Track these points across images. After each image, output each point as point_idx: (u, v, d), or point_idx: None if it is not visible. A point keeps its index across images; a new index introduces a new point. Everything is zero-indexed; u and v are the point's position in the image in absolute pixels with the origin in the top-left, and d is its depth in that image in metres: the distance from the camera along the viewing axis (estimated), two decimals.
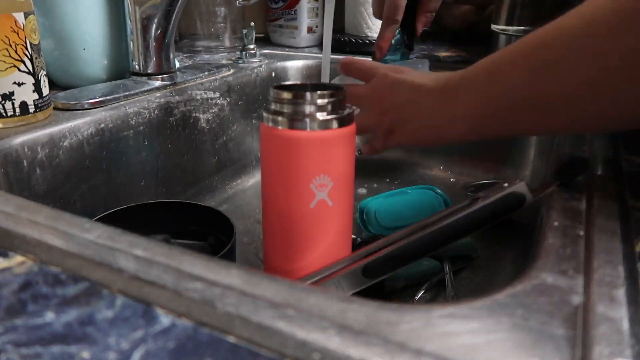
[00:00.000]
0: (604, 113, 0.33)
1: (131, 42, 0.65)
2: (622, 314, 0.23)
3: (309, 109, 0.37)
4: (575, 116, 0.35)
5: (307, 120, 0.36)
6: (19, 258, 0.27)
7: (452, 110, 0.42)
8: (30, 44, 0.50)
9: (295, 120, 0.37)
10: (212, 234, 0.52)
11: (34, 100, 0.51)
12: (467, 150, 0.82)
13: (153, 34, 0.64)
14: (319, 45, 1.02)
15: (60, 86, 0.66)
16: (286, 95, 0.37)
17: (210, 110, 0.73)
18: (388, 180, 0.77)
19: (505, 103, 0.38)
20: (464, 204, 0.38)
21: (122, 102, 0.60)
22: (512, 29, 0.88)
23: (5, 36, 0.47)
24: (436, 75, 0.46)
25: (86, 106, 0.57)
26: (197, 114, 0.70)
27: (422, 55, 0.93)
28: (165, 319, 0.22)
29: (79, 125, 0.54)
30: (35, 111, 0.51)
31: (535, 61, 0.35)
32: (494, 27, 0.91)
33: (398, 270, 0.52)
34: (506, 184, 0.37)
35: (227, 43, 0.98)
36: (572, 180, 0.37)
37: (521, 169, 0.77)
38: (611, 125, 0.38)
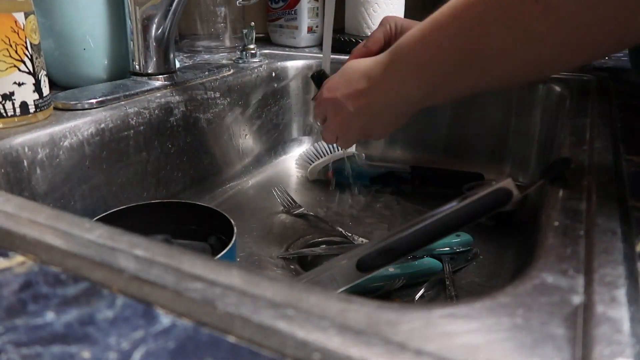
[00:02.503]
0: (535, 61, 0.36)
1: (131, 42, 0.65)
2: (622, 314, 0.23)
3: None
4: (508, 68, 0.37)
5: None
6: (19, 258, 0.27)
7: (401, 79, 0.44)
8: (31, 44, 0.50)
9: None
10: (212, 234, 0.52)
11: (34, 100, 0.51)
12: (467, 151, 0.82)
13: (153, 34, 0.64)
14: (319, 45, 1.02)
15: (61, 86, 0.66)
16: None
17: (211, 110, 0.73)
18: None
19: (445, 66, 0.40)
20: (455, 201, 0.39)
21: (122, 102, 0.60)
22: None
23: (6, 36, 0.47)
24: (371, 60, 0.48)
25: (86, 106, 0.57)
26: (197, 114, 0.70)
27: None
28: (165, 319, 0.22)
29: (79, 125, 0.54)
30: (35, 111, 0.51)
31: (463, 22, 0.37)
32: None
33: (395, 269, 0.52)
34: (494, 181, 0.38)
35: (227, 43, 0.98)
36: (556, 178, 0.38)
37: (521, 169, 0.78)
38: (546, 71, 0.42)
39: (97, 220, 0.49)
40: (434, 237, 0.39)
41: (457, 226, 0.38)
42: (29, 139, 0.49)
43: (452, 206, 0.38)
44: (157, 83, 0.66)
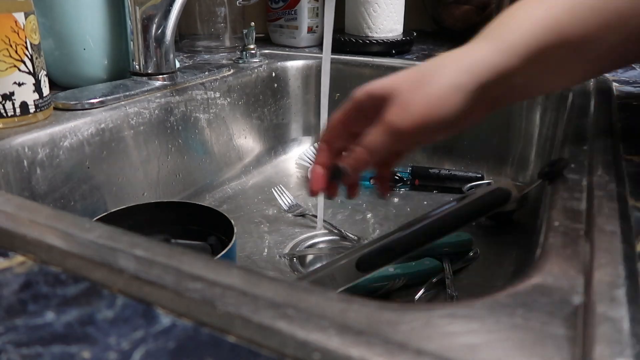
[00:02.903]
0: None
1: (131, 42, 0.65)
2: (622, 314, 0.23)
3: None
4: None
5: None
6: (19, 258, 0.27)
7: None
8: (31, 44, 0.50)
9: None
10: (212, 234, 0.52)
11: (34, 100, 0.51)
12: (467, 151, 0.82)
13: (153, 34, 0.64)
14: (319, 45, 1.02)
15: (61, 86, 0.66)
16: None
17: (210, 110, 0.73)
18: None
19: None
20: (454, 201, 0.39)
21: (122, 102, 0.60)
22: None
23: (6, 36, 0.47)
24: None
25: (86, 106, 0.57)
26: (197, 114, 0.70)
27: (422, 55, 0.93)
28: (165, 319, 0.22)
29: (79, 125, 0.54)
30: (35, 111, 0.51)
31: None
32: None
33: (395, 269, 0.52)
34: (492, 182, 0.38)
35: (227, 43, 0.98)
36: (554, 178, 0.38)
37: (521, 169, 0.77)
38: None
39: (97, 220, 0.49)
40: (433, 236, 0.39)
41: (456, 226, 0.39)
42: (29, 139, 0.49)
43: (451, 206, 0.38)
44: (157, 83, 0.66)
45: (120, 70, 0.68)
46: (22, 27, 0.48)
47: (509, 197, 0.38)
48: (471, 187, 0.72)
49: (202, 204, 0.54)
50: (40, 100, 0.52)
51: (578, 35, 0.35)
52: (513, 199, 0.38)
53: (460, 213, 0.38)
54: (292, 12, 1.01)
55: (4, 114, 0.49)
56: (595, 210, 0.33)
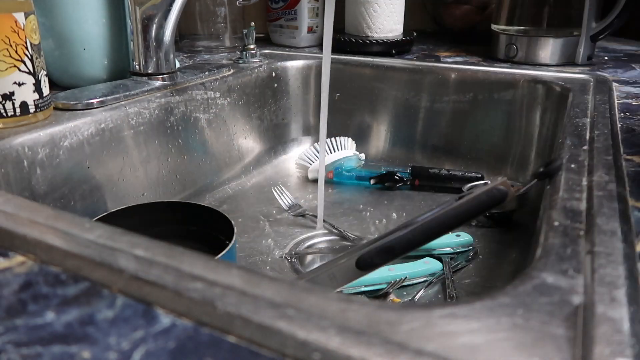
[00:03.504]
0: None
1: (131, 42, 0.65)
2: (622, 314, 0.23)
3: None
4: None
5: None
6: (19, 258, 0.27)
7: None
8: (31, 44, 0.50)
9: None
10: (212, 234, 0.52)
11: (34, 100, 0.51)
12: (467, 151, 0.82)
13: (153, 34, 0.64)
14: (319, 45, 1.02)
15: (61, 86, 0.66)
16: None
17: (210, 110, 0.73)
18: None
19: None
20: (452, 200, 0.39)
21: (122, 102, 0.60)
22: (512, 28, 0.88)
23: (6, 36, 0.47)
24: None
25: (86, 106, 0.57)
26: (197, 114, 0.70)
27: (422, 55, 0.93)
28: (165, 319, 0.22)
29: (79, 125, 0.54)
30: (35, 111, 0.51)
31: None
32: (494, 27, 0.91)
33: (395, 269, 0.52)
34: (489, 182, 0.39)
35: (227, 43, 0.98)
36: (549, 178, 0.38)
37: (521, 169, 0.77)
38: None
39: (97, 220, 0.49)
40: (432, 235, 0.39)
41: (454, 225, 0.39)
42: (29, 139, 0.49)
43: (449, 205, 0.39)
44: (157, 83, 0.66)
45: (120, 70, 0.68)
46: (22, 27, 0.48)
47: (505, 197, 0.38)
48: (471, 187, 0.72)
49: (202, 204, 0.54)
50: (40, 100, 0.52)
51: None
52: (510, 198, 0.38)
53: (458, 212, 0.38)
54: (292, 12, 1.01)
55: (4, 114, 0.49)
56: (595, 210, 0.33)
